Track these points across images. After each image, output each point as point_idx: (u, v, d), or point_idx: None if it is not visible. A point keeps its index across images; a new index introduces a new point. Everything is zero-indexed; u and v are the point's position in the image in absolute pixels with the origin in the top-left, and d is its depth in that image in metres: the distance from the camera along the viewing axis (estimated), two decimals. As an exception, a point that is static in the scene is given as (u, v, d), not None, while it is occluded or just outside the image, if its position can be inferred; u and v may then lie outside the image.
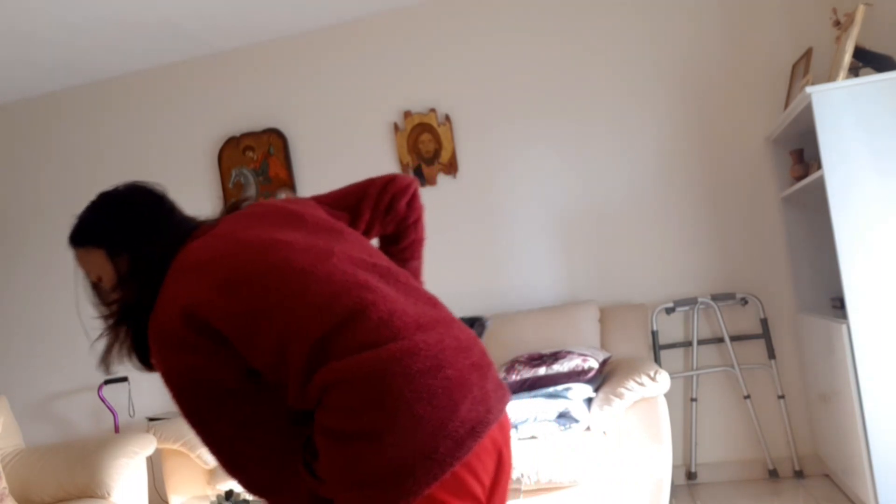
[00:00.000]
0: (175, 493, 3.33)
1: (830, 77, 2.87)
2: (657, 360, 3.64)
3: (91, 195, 4.59)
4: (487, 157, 3.92)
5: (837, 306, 3.04)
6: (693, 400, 3.64)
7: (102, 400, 4.18)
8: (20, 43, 3.78)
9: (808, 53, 3.23)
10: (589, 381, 2.99)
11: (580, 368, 2.96)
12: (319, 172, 4.13)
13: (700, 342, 3.67)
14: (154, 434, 3.23)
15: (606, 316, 3.53)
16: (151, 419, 4.01)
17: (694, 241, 3.69)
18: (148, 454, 3.11)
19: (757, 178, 3.63)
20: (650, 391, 2.76)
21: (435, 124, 3.95)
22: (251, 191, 4.18)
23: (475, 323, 1.59)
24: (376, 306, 1.25)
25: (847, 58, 2.77)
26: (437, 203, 3.98)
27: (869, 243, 2.68)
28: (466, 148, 3.94)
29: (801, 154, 3.30)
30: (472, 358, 1.27)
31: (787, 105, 3.43)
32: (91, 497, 2.92)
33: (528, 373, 3.02)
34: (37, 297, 4.51)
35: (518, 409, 2.90)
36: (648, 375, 2.76)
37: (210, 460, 3.23)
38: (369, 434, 1.17)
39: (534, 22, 3.86)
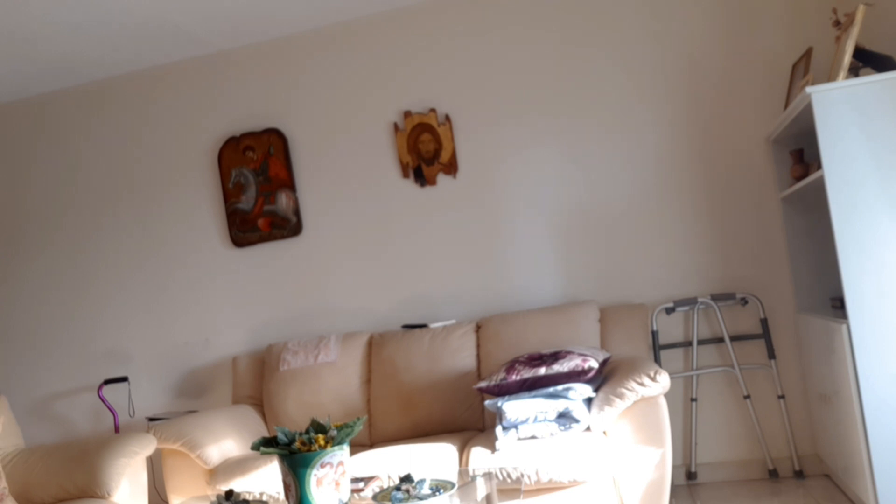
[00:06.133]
0: (175, 493, 3.33)
1: (830, 77, 2.87)
2: (657, 360, 3.65)
3: (90, 196, 4.60)
4: (487, 157, 3.92)
5: (837, 306, 3.04)
6: (693, 400, 3.64)
7: (102, 400, 4.18)
8: (20, 43, 3.78)
9: (808, 53, 3.23)
10: (589, 381, 2.99)
11: (580, 368, 2.96)
12: (319, 172, 4.14)
13: (700, 342, 3.67)
14: (154, 434, 3.23)
15: (606, 316, 3.54)
16: (151, 419, 4.01)
17: (694, 241, 3.70)
18: (148, 454, 3.10)
19: (757, 178, 3.63)
20: (650, 391, 2.76)
21: (435, 124, 3.95)
22: (251, 191, 4.18)
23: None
24: None
25: (847, 58, 2.77)
26: (437, 203, 3.98)
27: (869, 243, 2.68)
28: (466, 148, 3.94)
29: (801, 154, 3.30)
30: None
31: (787, 105, 3.43)
32: (91, 497, 2.92)
33: (528, 373, 3.02)
34: (37, 298, 4.51)
35: (518, 409, 2.90)
36: (649, 375, 2.76)
37: (210, 460, 3.24)
38: None
39: (534, 21, 3.86)
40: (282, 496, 2.54)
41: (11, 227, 4.55)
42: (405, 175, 3.99)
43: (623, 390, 2.79)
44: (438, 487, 2.21)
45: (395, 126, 4.00)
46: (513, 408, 2.91)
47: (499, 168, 3.91)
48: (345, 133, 4.10)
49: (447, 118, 3.94)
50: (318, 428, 2.16)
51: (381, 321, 4.05)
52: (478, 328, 3.66)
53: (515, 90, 3.89)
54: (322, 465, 2.08)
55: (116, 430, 4.20)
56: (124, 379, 4.20)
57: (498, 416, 2.97)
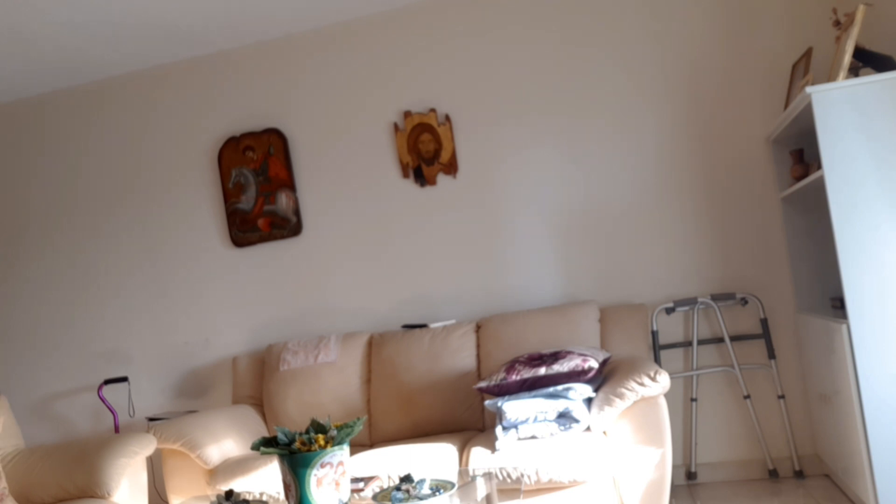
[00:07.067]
0: (175, 494, 3.33)
1: (830, 77, 2.87)
2: (657, 360, 3.64)
3: (90, 196, 4.60)
4: (487, 157, 3.92)
5: (837, 306, 3.04)
6: (693, 400, 3.64)
7: (102, 400, 4.18)
8: (21, 43, 3.78)
9: (808, 53, 3.23)
10: (589, 381, 2.99)
11: (580, 368, 2.96)
12: (319, 172, 4.14)
13: (700, 342, 3.67)
14: (154, 434, 3.23)
15: (606, 316, 3.53)
16: (151, 419, 4.01)
17: (694, 241, 3.70)
18: (148, 454, 3.10)
19: (757, 178, 3.63)
20: (650, 391, 2.76)
21: (435, 124, 3.95)
22: (251, 191, 4.18)
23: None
24: None
25: (847, 58, 2.77)
26: (437, 203, 3.98)
27: (869, 243, 2.68)
28: (466, 148, 3.94)
29: (801, 154, 3.30)
30: None
31: (787, 105, 3.43)
32: (91, 497, 2.92)
33: (528, 373, 3.01)
34: (37, 297, 4.51)
35: (518, 409, 2.90)
36: (649, 375, 2.76)
37: (210, 460, 3.24)
38: None
39: (534, 21, 3.86)
40: (282, 496, 2.54)
41: (12, 227, 4.55)
42: (405, 175, 3.99)
43: (623, 390, 2.79)
44: (438, 487, 2.21)
45: (395, 126, 4.00)
46: (513, 408, 2.91)
47: (499, 168, 3.91)
48: (345, 133, 4.10)
49: (447, 118, 3.94)
50: (318, 428, 2.16)
51: (381, 321, 4.05)
52: (478, 328, 3.66)
53: (515, 90, 3.89)
54: (322, 465, 2.08)
55: (116, 430, 4.20)
56: (124, 379, 4.20)
57: (498, 416, 2.97)
